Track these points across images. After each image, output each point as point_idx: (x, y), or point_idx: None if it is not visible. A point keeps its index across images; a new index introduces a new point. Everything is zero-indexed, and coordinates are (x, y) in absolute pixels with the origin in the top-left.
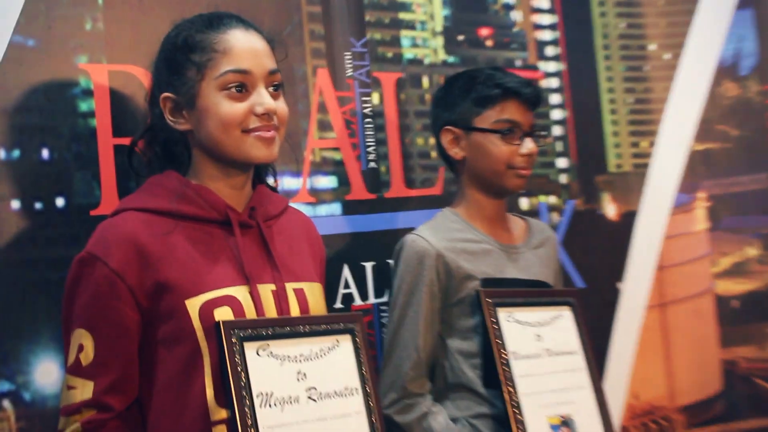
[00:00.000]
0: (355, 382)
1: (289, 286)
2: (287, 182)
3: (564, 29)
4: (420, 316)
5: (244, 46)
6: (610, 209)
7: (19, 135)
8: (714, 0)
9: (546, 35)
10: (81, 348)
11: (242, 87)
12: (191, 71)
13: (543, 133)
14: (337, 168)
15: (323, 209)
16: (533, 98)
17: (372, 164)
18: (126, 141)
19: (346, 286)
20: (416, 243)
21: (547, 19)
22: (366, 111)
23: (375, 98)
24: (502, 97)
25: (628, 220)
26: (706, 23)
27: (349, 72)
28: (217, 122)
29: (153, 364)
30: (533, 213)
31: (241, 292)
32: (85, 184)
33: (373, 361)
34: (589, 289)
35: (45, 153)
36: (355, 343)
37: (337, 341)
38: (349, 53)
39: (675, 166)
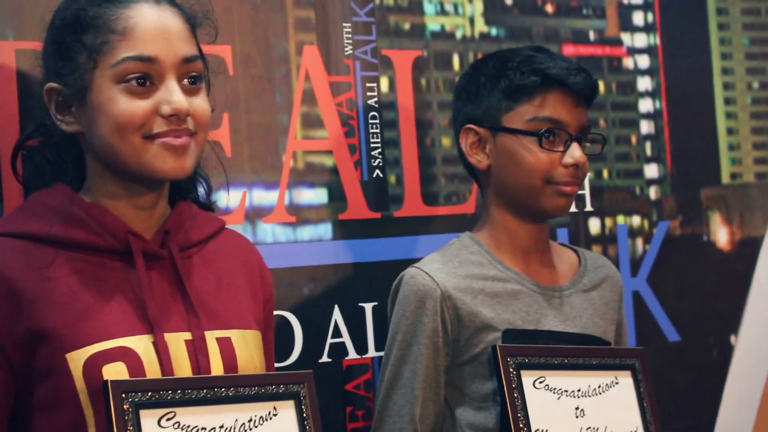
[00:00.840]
0: None
1: (211, 335)
2: (258, 196)
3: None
4: (417, 376)
5: (150, 26)
6: (722, 235)
7: None
8: None
9: (637, 0)
10: None
11: (146, 79)
12: (82, 57)
13: (597, 136)
14: (328, 178)
15: (306, 232)
16: (586, 90)
17: (377, 173)
18: (36, 142)
19: (337, 333)
20: (416, 280)
21: None
22: (371, 102)
23: (384, 85)
24: (542, 87)
25: (747, 249)
26: None
27: (349, 50)
28: (112, 124)
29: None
30: (608, 239)
31: (141, 343)
32: None
33: None
34: (686, 343)
35: None
36: (299, 411)
37: (275, 409)
38: (348, 24)
39: None
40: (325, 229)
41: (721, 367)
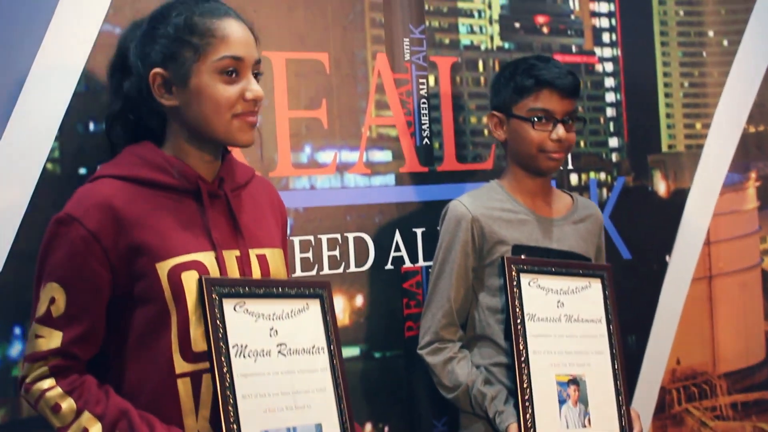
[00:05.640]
0: (322, 342)
1: (253, 252)
2: (345, 155)
3: (621, 16)
4: (454, 271)
5: (239, 35)
6: (661, 186)
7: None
8: None
9: (603, 22)
10: (53, 300)
11: (235, 72)
12: (188, 52)
13: (577, 119)
14: (392, 143)
15: (378, 180)
16: (570, 88)
17: (425, 140)
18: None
19: (397, 249)
20: (456, 208)
21: (604, 7)
22: (422, 92)
23: (431, 80)
24: (536, 87)
25: (678, 197)
26: (754, 16)
27: (407, 56)
28: (211, 103)
29: (127, 319)
30: (583, 188)
31: (207, 257)
32: None
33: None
34: (635, 260)
35: None
36: (323, 307)
37: (307, 304)
38: (407, 39)
39: (728, 147)
40: (390, 179)
41: (658, 277)
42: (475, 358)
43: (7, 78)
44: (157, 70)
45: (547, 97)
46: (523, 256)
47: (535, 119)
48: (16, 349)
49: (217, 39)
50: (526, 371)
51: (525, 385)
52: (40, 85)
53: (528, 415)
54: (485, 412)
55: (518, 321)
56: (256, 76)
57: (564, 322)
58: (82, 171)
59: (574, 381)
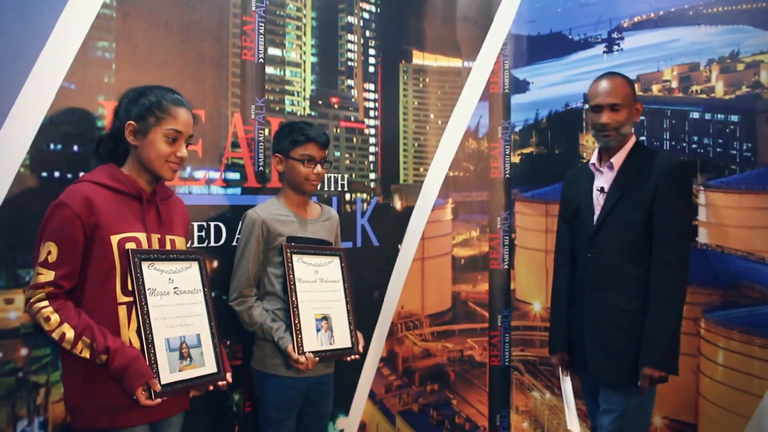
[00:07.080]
0: (200, 286)
1: (168, 237)
2: (211, 174)
3: (381, 102)
4: (252, 254)
5: (183, 117)
6: (398, 204)
7: (62, 137)
8: (471, 97)
9: (370, 104)
10: (49, 252)
11: (175, 139)
12: (152, 118)
13: (328, 162)
14: (240, 168)
15: (230, 191)
16: (324, 142)
17: (260, 168)
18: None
19: (239, 232)
20: (251, 214)
21: (371, 95)
22: (260, 139)
23: (267, 132)
24: (305, 141)
25: (408, 211)
26: (458, 106)
27: (253, 116)
28: (155, 153)
29: (89, 268)
30: (353, 203)
31: (141, 236)
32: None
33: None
34: (381, 246)
35: (75, 148)
36: (200, 265)
37: (191, 264)
38: (254, 106)
39: (437, 183)
40: (238, 190)
41: (394, 257)
42: (265, 305)
43: None
44: (131, 122)
45: (311, 148)
46: (293, 243)
47: (304, 161)
48: None
49: (170, 116)
50: (296, 312)
51: (296, 321)
52: (20, 117)
53: (298, 339)
54: (272, 338)
55: (292, 282)
56: (188, 143)
57: (318, 282)
58: (44, 174)
59: (325, 317)
